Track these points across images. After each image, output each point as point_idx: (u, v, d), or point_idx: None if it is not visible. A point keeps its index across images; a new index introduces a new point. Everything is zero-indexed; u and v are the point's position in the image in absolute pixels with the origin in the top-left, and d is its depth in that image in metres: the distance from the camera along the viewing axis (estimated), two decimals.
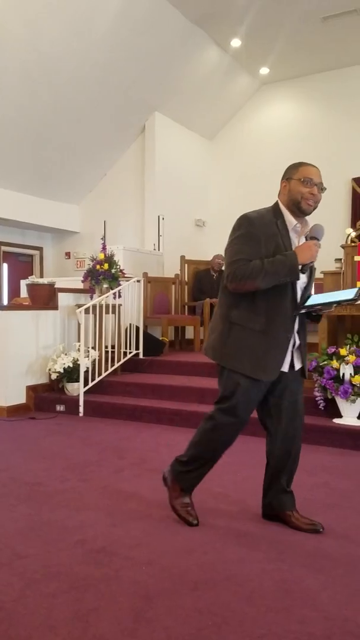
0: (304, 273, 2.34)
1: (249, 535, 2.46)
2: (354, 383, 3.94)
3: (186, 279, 7.38)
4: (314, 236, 2.34)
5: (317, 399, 4.19)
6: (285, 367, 2.44)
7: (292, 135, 7.83)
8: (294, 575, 2.10)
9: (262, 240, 2.32)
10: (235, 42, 6.89)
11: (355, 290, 2.33)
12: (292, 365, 2.48)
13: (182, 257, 7.38)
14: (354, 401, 3.98)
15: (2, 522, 2.62)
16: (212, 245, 8.19)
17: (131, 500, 2.92)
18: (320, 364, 4.14)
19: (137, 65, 6.58)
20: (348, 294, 2.33)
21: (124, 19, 5.89)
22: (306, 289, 2.44)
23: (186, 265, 7.41)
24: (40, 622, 1.79)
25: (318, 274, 5.11)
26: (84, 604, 1.89)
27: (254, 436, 4.19)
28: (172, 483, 2.65)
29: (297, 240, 2.41)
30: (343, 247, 4.93)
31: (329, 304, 2.34)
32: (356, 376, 3.94)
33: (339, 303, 2.34)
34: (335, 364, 4.04)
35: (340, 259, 4.98)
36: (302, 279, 2.38)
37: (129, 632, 1.73)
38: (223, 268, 7.46)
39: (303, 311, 2.42)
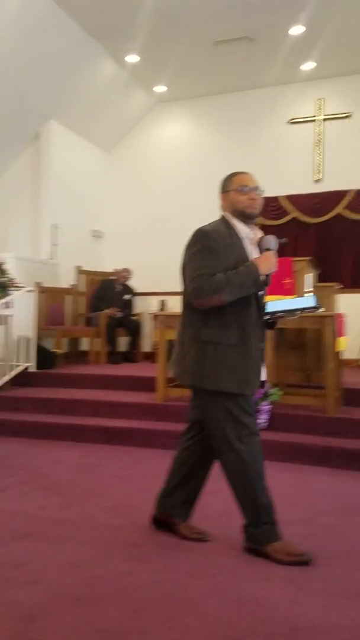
0: (266, 285, 2.34)
1: (138, 547, 2.46)
2: None
3: (83, 289, 7.28)
4: (268, 247, 2.37)
5: None
6: (263, 376, 2.43)
7: (185, 153, 8.02)
8: (180, 585, 2.12)
9: (220, 253, 2.31)
10: (132, 58, 6.96)
11: (313, 298, 2.41)
12: None
13: (78, 268, 7.28)
14: None
15: None
16: (110, 256, 8.16)
17: (16, 518, 2.81)
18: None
19: (31, 72, 6.44)
20: (308, 302, 2.39)
21: (18, 24, 5.75)
22: (262, 297, 2.43)
23: (82, 275, 7.31)
24: None
25: None
26: None
27: (145, 447, 4.22)
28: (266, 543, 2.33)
29: (252, 249, 2.42)
30: None
31: (292, 312, 2.38)
32: None
33: (302, 310, 2.39)
34: None
35: None
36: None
37: None
38: (127, 283, 7.39)
39: (267, 318, 2.43)
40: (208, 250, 2.33)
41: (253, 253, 2.42)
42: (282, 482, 3.29)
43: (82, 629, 1.80)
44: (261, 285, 2.32)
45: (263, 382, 2.50)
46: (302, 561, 2.26)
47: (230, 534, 2.59)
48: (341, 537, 2.60)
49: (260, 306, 2.41)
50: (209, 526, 2.63)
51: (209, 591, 2.06)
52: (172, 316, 4.74)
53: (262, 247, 2.41)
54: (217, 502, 2.84)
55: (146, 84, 7.71)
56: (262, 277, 2.29)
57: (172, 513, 2.59)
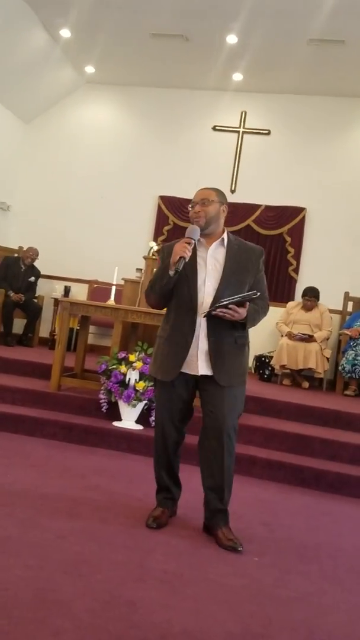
0: (177, 270, 2.49)
1: (10, 541, 2.35)
2: (137, 388, 4.07)
3: None
4: (188, 236, 2.57)
5: (100, 401, 4.24)
6: (188, 369, 2.60)
7: (106, 140, 7.85)
8: (52, 583, 2.05)
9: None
10: (65, 33, 6.70)
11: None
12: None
13: None
14: (134, 405, 4.10)
15: None
16: (17, 231, 7.80)
17: None
18: (110, 368, 4.19)
19: None
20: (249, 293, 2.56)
21: None
22: (221, 296, 2.54)
23: None
24: None
25: (119, 281, 5.25)
26: None
27: (30, 436, 4.07)
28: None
29: (206, 251, 2.65)
30: (145, 258, 5.10)
31: (232, 302, 2.47)
32: (140, 382, 4.08)
33: (243, 299, 2.49)
34: (123, 368, 4.13)
35: (141, 269, 5.14)
36: (210, 287, 2.58)
37: None
38: (33, 263, 7.05)
39: (211, 312, 2.50)
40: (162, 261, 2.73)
41: (203, 255, 2.65)
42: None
43: None
44: (167, 271, 2.54)
45: None
46: (236, 548, 2.53)
47: (110, 531, 2.56)
48: None
49: (195, 303, 2.58)
50: (90, 523, 2.57)
51: (82, 591, 2.01)
52: (77, 304, 4.62)
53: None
54: (93, 498, 2.78)
55: (76, 62, 7.46)
56: (173, 264, 2.52)
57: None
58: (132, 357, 4.21)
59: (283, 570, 2.43)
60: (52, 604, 1.90)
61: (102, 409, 4.25)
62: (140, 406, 4.16)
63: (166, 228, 7.48)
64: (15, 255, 7.07)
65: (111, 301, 4.79)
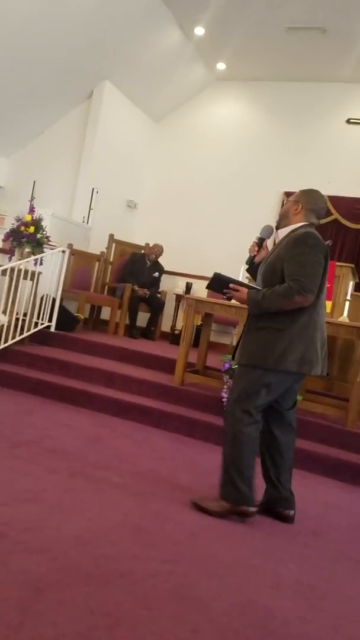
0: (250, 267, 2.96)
1: (145, 532, 2.41)
2: None
3: (111, 258, 7.19)
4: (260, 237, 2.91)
5: (223, 399, 4.23)
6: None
7: (234, 136, 7.85)
8: (189, 579, 2.07)
9: None
10: (199, 31, 6.77)
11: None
12: None
13: (112, 236, 7.17)
14: None
15: None
16: (141, 229, 8.06)
17: (25, 479, 2.77)
18: (233, 367, 4.17)
19: (94, 29, 6.26)
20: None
21: None
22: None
23: (114, 244, 7.21)
24: None
25: (243, 279, 5.20)
26: None
27: (156, 428, 4.17)
28: None
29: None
30: None
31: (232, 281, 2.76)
32: None
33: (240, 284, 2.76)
34: None
35: None
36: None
37: (14, 625, 1.61)
38: (157, 259, 7.27)
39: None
40: None
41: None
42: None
43: (89, 609, 1.76)
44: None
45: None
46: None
47: (238, 530, 2.55)
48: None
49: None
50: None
51: (218, 591, 2.02)
52: (203, 302, 4.66)
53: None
54: None
55: (208, 60, 7.52)
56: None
57: None
58: None
59: None
60: (190, 601, 1.92)
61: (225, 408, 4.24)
62: None
63: None
64: (142, 251, 7.29)
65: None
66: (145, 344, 6.28)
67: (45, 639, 1.58)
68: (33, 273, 5.10)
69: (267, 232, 2.86)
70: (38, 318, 5.39)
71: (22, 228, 5.09)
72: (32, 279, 5.10)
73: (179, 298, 7.43)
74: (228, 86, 7.97)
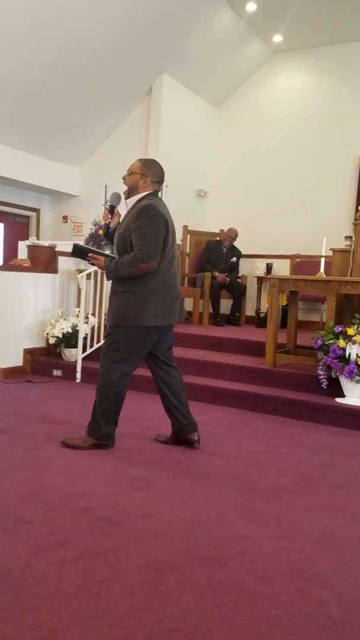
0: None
1: (255, 512, 2.42)
2: (359, 363, 3.89)
3: (187, 250, 7.24)
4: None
5: (320, 377, 4.15)
6: None
7: (299, 107, 7.61)
8: (306, 555, 2.06)
9: None
10: (251, 7, 6.62)
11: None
12: None
13: (185, 228, 7.22)
14: (358, 381, 3.93)
15: (4, 487, 2.55)
16: (213, 217, 8.03)
17: (134, 468, 2.87)
18: (327, 343, 4.08)
19: (147, 24, 6.31)
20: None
21: None
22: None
23: (188, 236, 7.26)
24: (49, 592, 1.73)
25: (327, 252, 5.06)
26: (94, 574, 1.84)
27: (253, 411, 4.16)
28: None
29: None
30: (355, 224, 4.82)
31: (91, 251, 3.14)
32: None
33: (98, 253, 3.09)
34: (342, 343, 3.98)
35: (351, 237, 4.88)
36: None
37: (141, 606, 1.68)
38: (233, 244, 7.24)
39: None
40: None
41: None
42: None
43: (212, 588, 1.79)
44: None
45: None
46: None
47: (353, 507, 2.49)
48: None
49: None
50: (324, 497, 2.53)
51: (337, 565, 1.99)
52: (286, 280, 4.58)
53: None
54: (327, 475, 2.72)
55: (263, 34, 7.34)
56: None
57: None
58: (350, 331, 4.03)
59: None
60: (311, 575, 1.90)
61: (322, 385, 4.15)
62: None
63: None
64: (217, 238, 7.27)
65: (321, 274, 4.63)
66: (232, 330, 6.28)
67: (172, 618, 1.62)
68: None
69: (116, 199, 3.19)
70: None
71: (100, 232, 5.23)
72: None
73: (260, 280, 7.35)
74: (287, 58, 7.74)
